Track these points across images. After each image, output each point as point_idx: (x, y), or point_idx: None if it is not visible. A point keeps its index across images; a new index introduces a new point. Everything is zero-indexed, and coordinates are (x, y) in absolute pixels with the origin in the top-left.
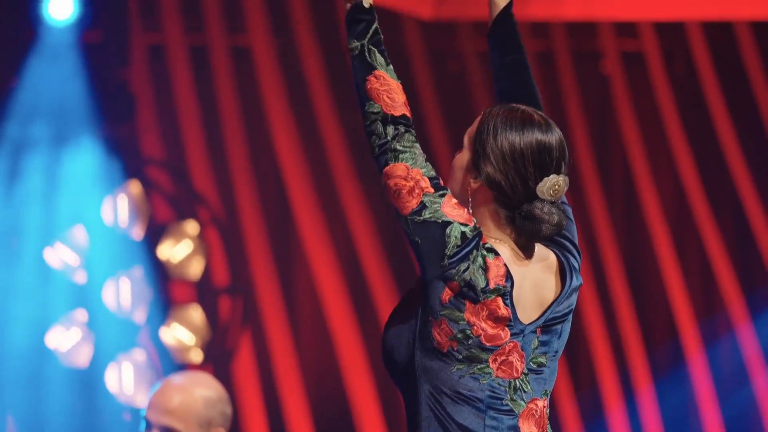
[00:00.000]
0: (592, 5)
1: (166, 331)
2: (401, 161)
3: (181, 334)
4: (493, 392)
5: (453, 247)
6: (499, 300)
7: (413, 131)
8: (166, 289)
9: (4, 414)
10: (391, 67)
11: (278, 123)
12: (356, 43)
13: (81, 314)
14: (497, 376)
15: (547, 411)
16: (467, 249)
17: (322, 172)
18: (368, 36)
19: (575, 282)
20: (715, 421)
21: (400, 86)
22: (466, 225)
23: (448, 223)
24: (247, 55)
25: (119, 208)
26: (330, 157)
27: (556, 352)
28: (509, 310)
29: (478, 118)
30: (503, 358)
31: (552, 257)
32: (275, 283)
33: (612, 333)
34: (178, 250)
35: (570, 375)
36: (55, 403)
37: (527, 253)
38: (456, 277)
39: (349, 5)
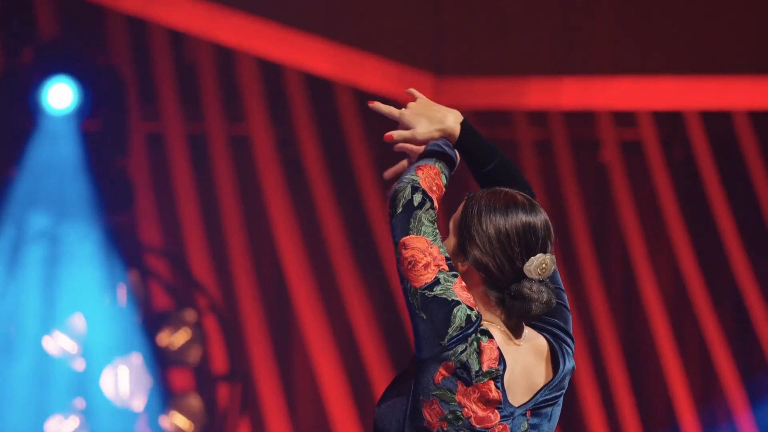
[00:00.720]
0: (590, 94)
1: (164, 419)
2: (423, 234)
3: (180, 421)
4: None
5: (456, 328)
6: (491, 383)
7: (435, 214)
8: (164, 377)
9: None
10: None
11: (277, 211)
12: (432, 159)
13: (79, 402)
14: None
15: None
16: (468, 332)
17: (321, 259)
18: (444, 159)
19: (568, 365)
20: None
21: (442, 195)
22: (471, 309)
23: (457, 303)
24: (246, 143)
25: (118, 296)
26: (329, 243)
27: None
28: (500, 393)
29: (462, 203)
30: None
31: (542, 341)
32: (274, 369)
33: (611, 419)
34: (176, 337)
35: None
36: None
37: (517, 334)
38: (452, 358)
39: (442, 139)
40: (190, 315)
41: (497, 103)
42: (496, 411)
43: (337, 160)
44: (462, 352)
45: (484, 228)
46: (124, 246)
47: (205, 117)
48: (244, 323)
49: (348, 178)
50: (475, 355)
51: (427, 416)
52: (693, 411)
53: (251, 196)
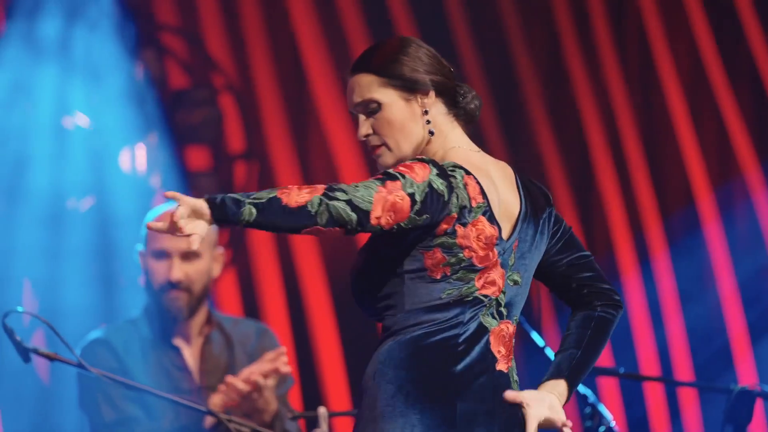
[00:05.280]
0: None
1: None
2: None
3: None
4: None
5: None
6: (483, 218)
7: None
8: (181, 155)
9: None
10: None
11: None
12: (250, 207)
13: (97, 181)
14: (480, 294)
15: (513, 342)
16: (448, 181)
17: (338, 37)
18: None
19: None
20: (729, 286)
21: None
22: (430, 172)
23: (427, 183)
24: None
25: (135, 74)
26: (344, 23)
27: (528, 270)
28: (495, 228)
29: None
30: (487, 275)
31: (509, 169)
32: (290, 149)
33: (628, 200)
34: (193, 116)
35: (586, 241)
36: (72, 270)
37: (483, 158)
38: (453, 210)
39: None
40: (206, 93)
41: None
42: (494, 249)
43: None
44: (457, 198)
45: (410, 60)
46: (140, 24)
47: None
48: (261, 102)
49: None
50: (464, 192)
51: (429, 263)
52: (710, 190)
53: None
